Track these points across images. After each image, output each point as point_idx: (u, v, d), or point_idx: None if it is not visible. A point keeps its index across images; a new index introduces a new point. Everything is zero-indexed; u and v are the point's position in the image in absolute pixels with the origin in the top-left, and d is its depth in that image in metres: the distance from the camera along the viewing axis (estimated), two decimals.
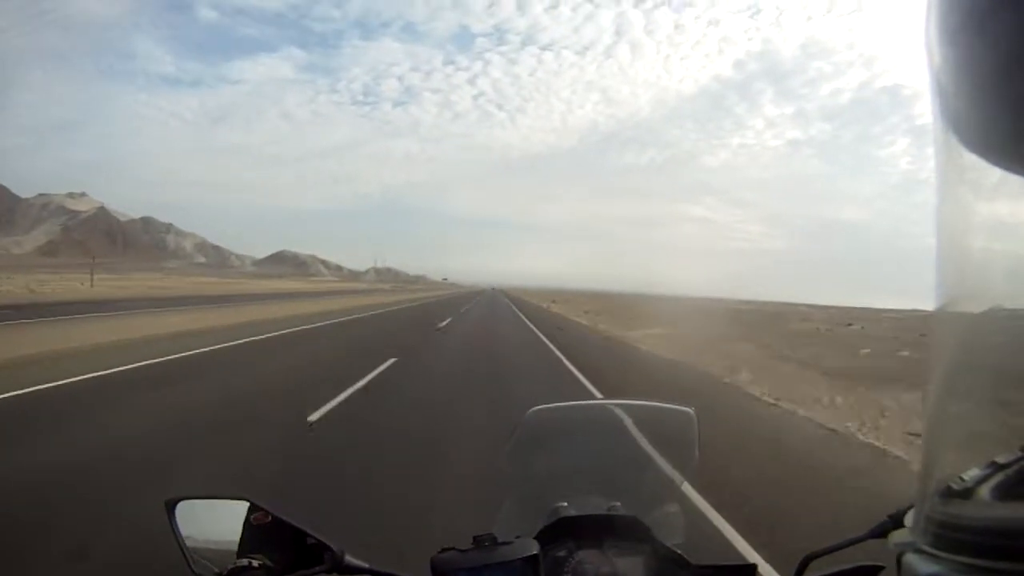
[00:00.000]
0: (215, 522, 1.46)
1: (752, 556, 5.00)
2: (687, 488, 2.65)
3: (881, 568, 1.52)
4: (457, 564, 1.44)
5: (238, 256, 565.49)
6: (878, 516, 1.40)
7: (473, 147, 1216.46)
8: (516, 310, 63.25)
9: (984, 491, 0.78)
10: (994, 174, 0.68)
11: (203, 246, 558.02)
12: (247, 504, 1.44)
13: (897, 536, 0.93)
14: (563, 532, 1.74)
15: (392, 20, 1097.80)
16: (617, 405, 2.19)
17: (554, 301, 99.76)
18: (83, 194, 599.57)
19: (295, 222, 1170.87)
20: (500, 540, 1.47)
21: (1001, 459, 0.81)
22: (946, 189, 0.78)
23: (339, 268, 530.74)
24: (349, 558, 1.45)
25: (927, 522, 0.80)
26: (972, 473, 0.81)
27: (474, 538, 1.47)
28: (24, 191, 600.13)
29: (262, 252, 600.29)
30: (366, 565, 1.48)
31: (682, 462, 2.02)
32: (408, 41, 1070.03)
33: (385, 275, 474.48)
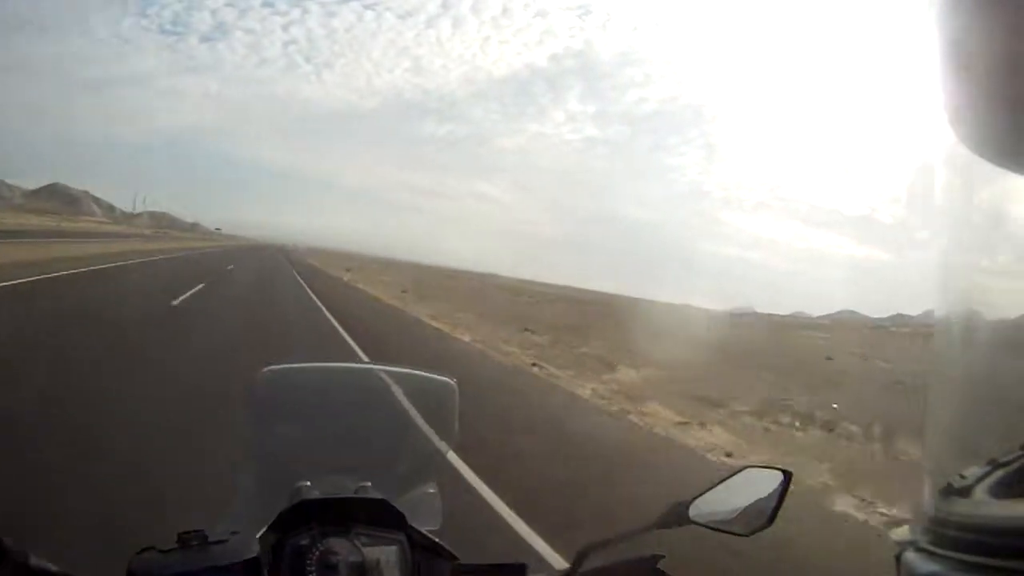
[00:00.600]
0: None
1: None
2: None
3: (660, 557, 1.49)
4: (157, 569, 1.25)
5: (8, 186, 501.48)
6: None
7: (274, 97, 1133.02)
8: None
9: (984, 489, 0.79)
10: (994, 172, 0.69)
11: None
12: None
13: (897, 534, 0.89)
14: (307, 517, 1.54)
15: None
16: (371, 369, 2.10)
17: (348, 269, 72.18)
18: None
19: (81, 153, 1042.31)
20: (212, 538, 1.31)
21: (1001, 457, 0.80)
22: (946, 189, 0.79)
23: (111, 208, 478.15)
24: (35, 560, 1.22)
25: (927, 520, 0.81)
26: (972, 471, 0.81)
27: (179, 536, 1.29)
28: None
29: (39, 183, 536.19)
30: (54, 568, 1.24)
31: (441, 437, 1.92)
32: None
33: (161, 220, 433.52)
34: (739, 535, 1.51)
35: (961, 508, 0.77)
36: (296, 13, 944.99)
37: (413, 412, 2.00)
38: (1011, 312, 0.76)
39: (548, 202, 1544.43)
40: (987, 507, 0.76)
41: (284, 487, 1.68)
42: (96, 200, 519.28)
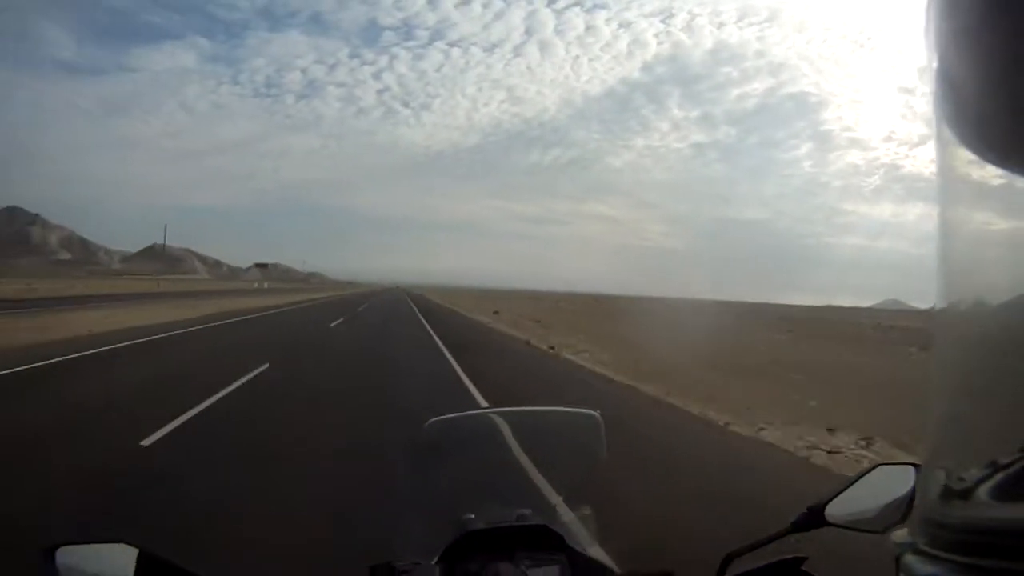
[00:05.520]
0: (97, 568, 1.32)
1: None
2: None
3: (804, 558, 1.55)
4: None
5: (107, 251, 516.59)
6: None
7: (376, 144, 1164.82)
8: None
9: (984, 491, 0.80)
10: (994, 174, 0.71)
11: (70, 240, 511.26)
12: (128, 547, 1.33)
13: (897, 536, 0.90)
14: (472, 546, 1.67)
15: (299, 10, 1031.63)
16: (518, 412, 2.21)
17: (495, 312, 55.09)
18: None
19: (187, 220, 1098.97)
20: (399, 567, 1.48)
21: (1001, 459, 0.81)
22: (947, 189, 0.81)
23: (218, 264, 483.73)
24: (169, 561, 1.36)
25: (926, 522, 0.83)
26: (972, 473, 0.82)
27: (371, 569, 1.47)
28: None
29: (139, 247, 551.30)
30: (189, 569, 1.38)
31: (590, 464, 2.05)
32: (314, 33, 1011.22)
33: (271, 272, 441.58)
34: (875, 532, 1.49)
35: (961, 510, 0.78)
36: (384, 61, 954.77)
37: (561, 444, 2.08)
38: (1012, 314, 0.77)
39: (665, 214, 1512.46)
40: (987, 509, 0.78)
41: (450, 521, 1.76)
42: (201, 258, 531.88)
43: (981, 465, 0.80)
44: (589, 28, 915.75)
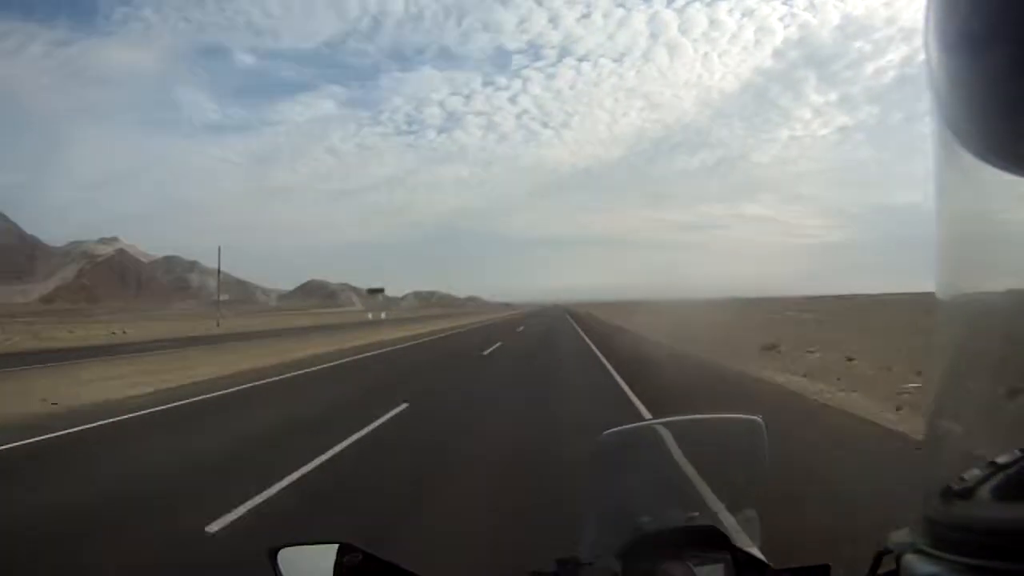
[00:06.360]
0: (318, 568, 1.46)
1: None
2: None
3: None
4: None
5: (264, 290, 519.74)
6: None
7: (522, 167, 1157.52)
8: None
9: (984, 492, 0.81)
10: (992, 174, 0.72)
11: (227, 282, 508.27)
12: (345, 547, 1.45)
13: (897, 536, 0.93)
14: (647, 546, 1.75)
15: (426, 47, 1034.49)
16: (683, 421, 2.26)
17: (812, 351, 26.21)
18: (115, 238, 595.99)
19: (344, 257, 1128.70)
20: (584, 561, 1.58)
21: (1001, 460, 0.82)
22: (946, 190, 0.81)
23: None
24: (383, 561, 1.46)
25: (927, 522, 0.84)
26: (972, 474, 0.83)
27: (557, 562, 1.57)
28: (61, 242, 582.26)
29: (295, 284, 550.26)
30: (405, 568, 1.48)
31: (753, 468, 2.08)
32: (444, 67, 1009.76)
33: (428, 299, 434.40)
34: None
35: (961, 510, 0.79)
36: (518, 84, 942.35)
37: (725, 450, 2.15)
38: (1012, 315, 0.78)
39: (821, 207, 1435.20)
40: (987, 509, 0.78)
41: (627, 523, 1.86)
42: (355, 290, 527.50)
43: (982, 465, 0.81)
44: (713, 22, 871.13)
